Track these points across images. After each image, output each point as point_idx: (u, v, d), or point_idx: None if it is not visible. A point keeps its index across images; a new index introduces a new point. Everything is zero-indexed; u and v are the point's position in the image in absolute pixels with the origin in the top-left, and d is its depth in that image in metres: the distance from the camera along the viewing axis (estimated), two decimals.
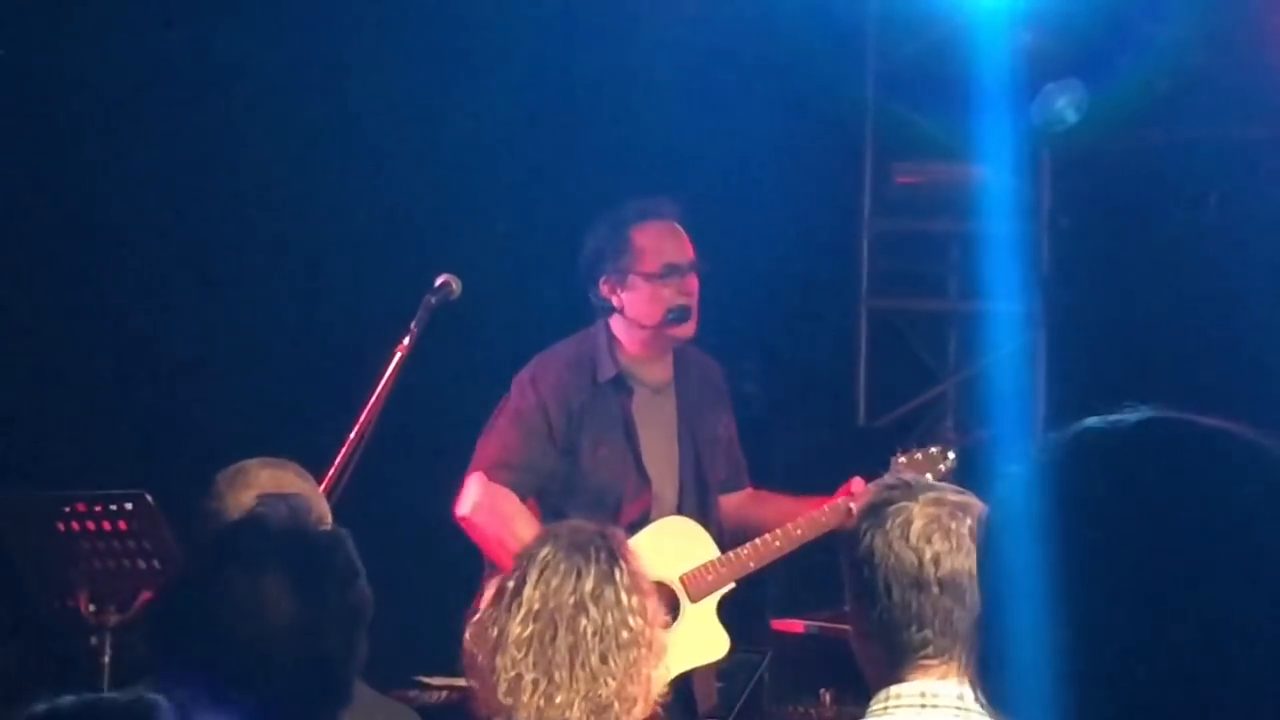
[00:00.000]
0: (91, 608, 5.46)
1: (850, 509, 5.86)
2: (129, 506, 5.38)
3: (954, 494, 3.38)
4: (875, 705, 3.33)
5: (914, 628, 3.29)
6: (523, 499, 5.97)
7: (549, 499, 6.01)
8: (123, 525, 5.39)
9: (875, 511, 3.37)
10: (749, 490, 6.31)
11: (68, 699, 1.94)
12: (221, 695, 2.66)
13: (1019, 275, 7.72)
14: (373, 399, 5.39)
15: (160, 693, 2.41)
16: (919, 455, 6.05)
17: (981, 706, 1.83)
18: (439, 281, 5.73)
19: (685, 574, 5.91)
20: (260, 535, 2.78)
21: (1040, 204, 8.02)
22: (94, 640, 5.46)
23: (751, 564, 5.94)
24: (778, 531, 5.94)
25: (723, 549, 6.01)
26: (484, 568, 5.88)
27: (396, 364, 5.50)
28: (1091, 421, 1.82)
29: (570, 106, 7.59)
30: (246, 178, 7.31)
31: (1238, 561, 1.72)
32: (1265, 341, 6.95)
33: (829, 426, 8.04)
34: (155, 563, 5.38)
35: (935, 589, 3.27)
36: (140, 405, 7.23)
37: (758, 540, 5.96)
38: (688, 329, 6.05)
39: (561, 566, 3.90)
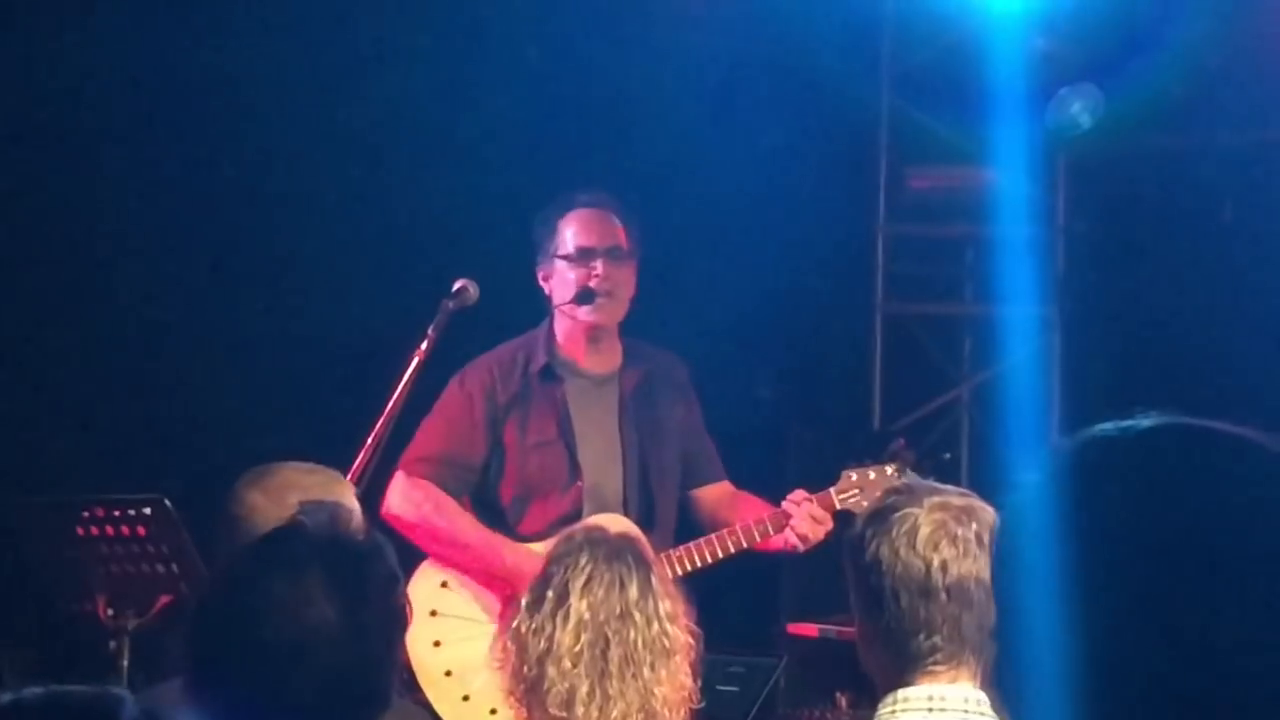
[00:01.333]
0: (110, 612, 5.46)
1: (787, 515, 5.86)
2: (147, 511, 5.38)
3: (958, 497, 3.36)
4: (883, 709, 3.32)
5: (922, 635, 3.28)
6: (453, 495, 5.96)
7: (482, 493, 6.00)
8: (141, 530, 5.39)
9: (880, 518, 3.35)
10: (728, 487, 6.22)
11: (33, 690, 1.94)
12: (260, 700, 2.67)
13: (1034, 279, 7.72)
14: (390, 403, 5.41)
15: (197, 696, 2.42)
16: (871, 473, 5.96)
17: (995, 712, 1.84)
18: (456, 286, 5.75)
19: None
20: (301, 541, 2.79)
21: (1055, 208, 8.02)
22: (112, 644, 5.47)
23: (682, 568, 5.84)
24: (712, 538, 5.90)
25: (692, 539, 5.97)
26: None
27: (414, 368, 5.52)
28: (1103, 427, 1.81)
29: (586, 111, 7.59)
30: (263, 184, 7.32)
31: (1253, 569, 1.71)
32: None
33: (844, 430, 8.04)
34: (173, 567, 5.38)
35: (943, 596, 3.26)
36: (158, 411, 7.24)
37: (691, 545, 5.91)
38: (594, 314, 5.99)
39: (605, 576, 3.92)
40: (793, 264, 7.64)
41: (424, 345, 5.58)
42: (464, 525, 5.93)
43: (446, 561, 5.93)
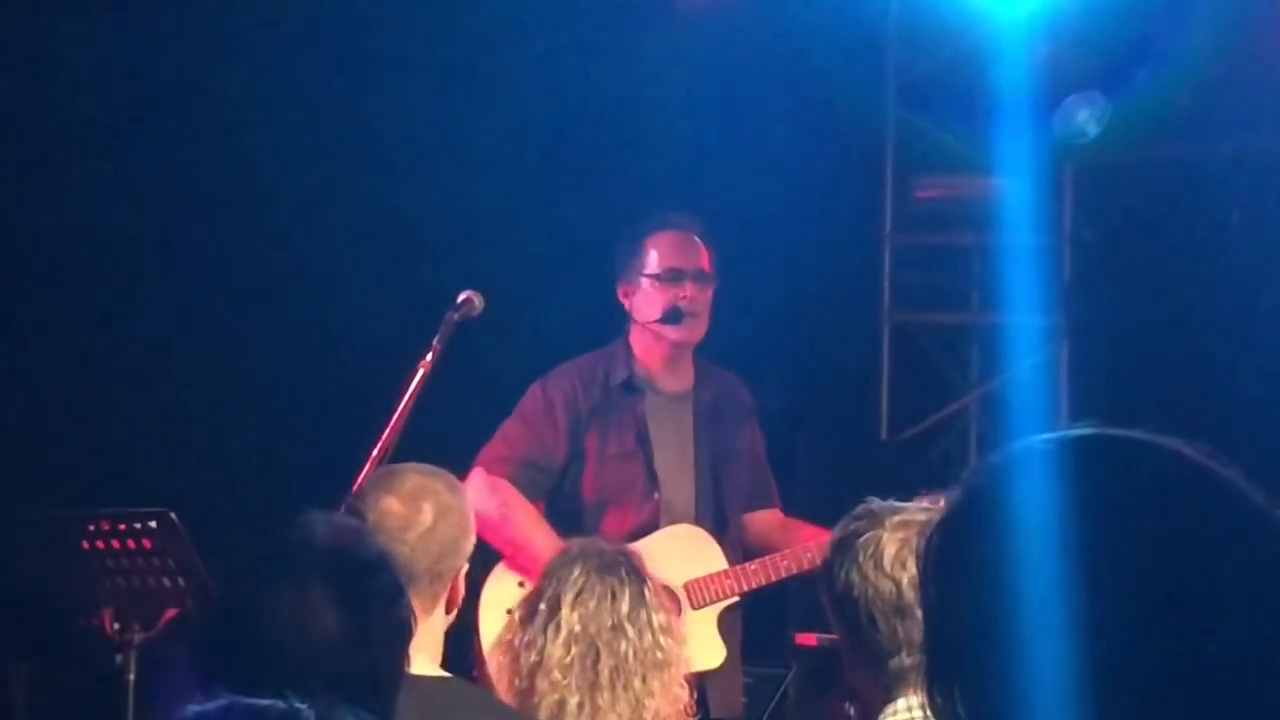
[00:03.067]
0: (116, 626, 5.47)
1: None
2: (153, 524, 5.39)
3: (921, 513, 3.39)
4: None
5: (904, 653, 3.31)
6: (529, 497, 6.06)
7: (559, 500, 6.10)
8: (147, 543, 5.40)
9: (845, 545, 3.39)
10: (779, 514, 6.35)
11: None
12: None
13: (1041, 288, 7.71)
14: (396, 416, 5.40)
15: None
16: (943, 502, 6.00)
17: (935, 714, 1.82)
18: (461, 298, 5.74)
19: (690, 581, 5.98)
20: (306, 553, 2.80)
21: (1062, 217, 8.01)
22: (119, 658, 5.47)
23: (757, 581, 6.00)
24: (787, 553, 6.00)
25: (739, 564, 6.06)
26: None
27: (419, 381, 5.50)
28: (1033, 438, 1.81)
29: (592, 122, 7.59)
30: (267, 195, 7.32)
31: (1156, 577, 1.69)
32: None
33: (852, 441, 8.04)
34: (179, 580, 5.39)
35: (918, 612, 3.25)
36: (164, 423, 7.24)
37: (766, 559, 6.02)
38: (681, 333, 6.13)
39: (597, 589, 3.92)
40: (799, 274, 7.63)
41: (429, 357, 5.57)
42: (537, 532, 5.96)
43: (513, 565, 5.97)
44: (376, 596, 2.81)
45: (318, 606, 2.74)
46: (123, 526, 5.41)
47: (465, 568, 4.09)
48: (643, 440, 6.14)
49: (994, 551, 1.74)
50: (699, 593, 5.98)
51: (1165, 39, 7.27)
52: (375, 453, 5.31)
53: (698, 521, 6.12)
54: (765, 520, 6.30)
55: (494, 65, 7.46)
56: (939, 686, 1.78)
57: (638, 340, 6.21)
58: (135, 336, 7.28)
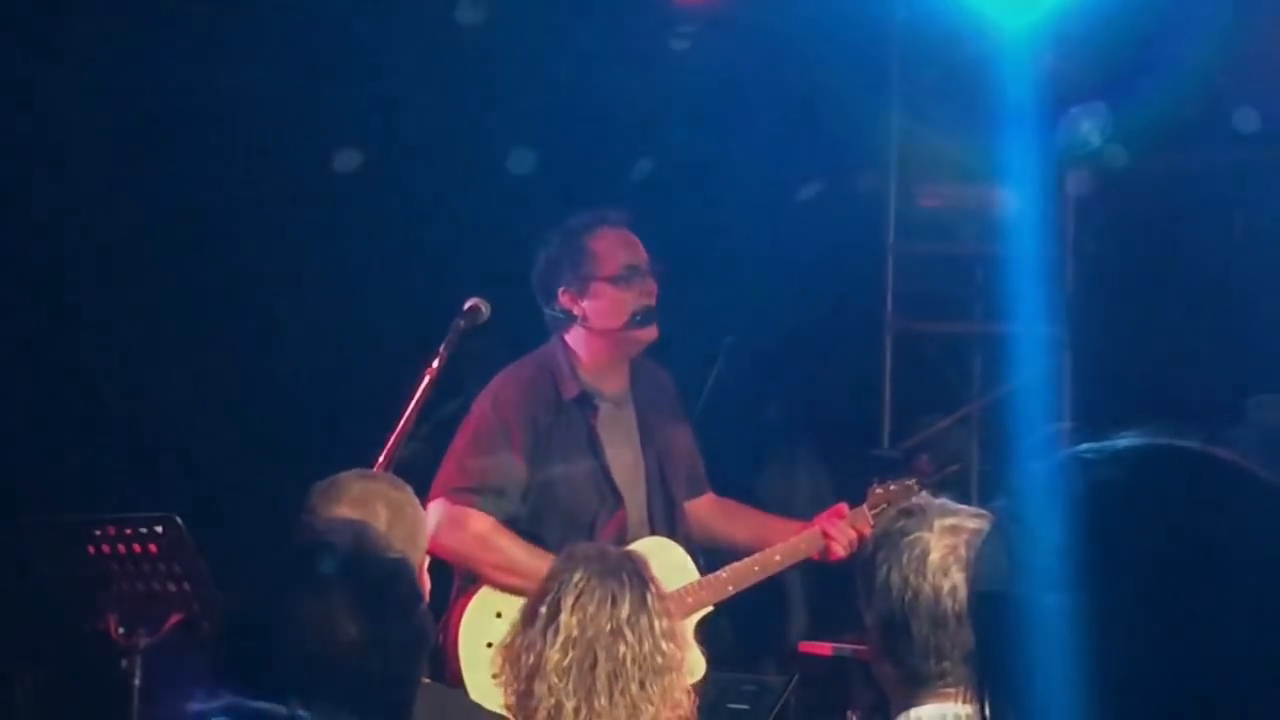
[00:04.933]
0: (121, 630, 5.48)
1: (826, 533, 5.90)
2: (158, 530, 5.40)
3: (971, 519, 3.34)
4: None
5: (933, 660, 3.28)
6: None
7: (520, 524, 5.93)
8: (152, 548, 5.41)
9: (890, 541, 3.34)
10: (713, 498, 6.26)
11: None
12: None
13: (1044, 298, 7.71)
14: (402, 422, 5.41)
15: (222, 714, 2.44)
16: (893, 487, 6.00)
17: None
18: (468, 305, 5.74)
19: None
20: (326, 559, 2.81)
21: (1065, 227, 8.02)
22: (124, 663, 5.48)
23: (730, 588, 5.90)
24: (757, 557, 5.92)
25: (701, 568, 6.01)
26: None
27: (425, 387, 5.52)
28: (1078, 449, 1.81)
29: (597, 129, 7.60)
30: (275, 203, 7.34)
31: (1224, 585, 1.70)
32: None
33: (853, 449, 8.04)
34: (185, 585, 5.40)
35: (954, 622, 3.24)
36: (170, 430, 7.25)
37: (736, 565, 5.92)
38: (652, 332, 6.00)
39: (597, 593, 3.92)
40: (803, 282, 7.64)
41: (435, 364, 5.58)
42: (517, 552, 5.83)
43: (503, 587, 5.86)
44: (395, 603, 2.82)
45: (337, 612, 2.75)
46: (129, 531, 5.42)
47: (427, 560, 4.13)
48: (598, 455, 5.99)
49: (1040, 565, 1.74)
50: (675, 605, 5.89)
51: (1169, 49, 7.27)
52: (381, 458, 5.32)
53: (651, 524, 6.02)
54: (703, 507, 6.21)
55: (502, 74, 7.47)
56: (990, 701, 1.78)
57: (582, 344, 6.02)
58: (142, 344, 7.29)
